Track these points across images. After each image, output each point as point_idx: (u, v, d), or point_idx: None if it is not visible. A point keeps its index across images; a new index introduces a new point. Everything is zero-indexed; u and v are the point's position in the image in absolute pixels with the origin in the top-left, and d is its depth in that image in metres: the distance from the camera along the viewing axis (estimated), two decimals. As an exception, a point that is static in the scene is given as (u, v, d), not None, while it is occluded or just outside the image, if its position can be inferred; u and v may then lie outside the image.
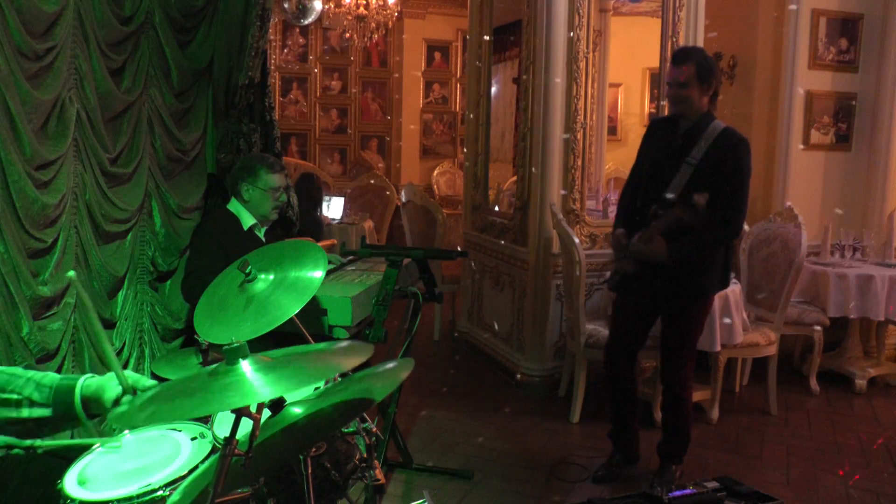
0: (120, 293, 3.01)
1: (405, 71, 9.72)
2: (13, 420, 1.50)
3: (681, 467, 3.40)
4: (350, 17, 7.46)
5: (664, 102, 4.28)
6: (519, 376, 4.64)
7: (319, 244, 2.26)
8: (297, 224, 3.76)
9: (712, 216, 2.99)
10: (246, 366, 1.38)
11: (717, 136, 3.07)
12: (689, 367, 3.32)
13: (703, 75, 3.05)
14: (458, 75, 9.85)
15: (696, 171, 3.06)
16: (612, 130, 7.49)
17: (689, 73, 3.04)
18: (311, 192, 5.76)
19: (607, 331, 4.01)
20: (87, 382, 1.62)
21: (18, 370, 1.58)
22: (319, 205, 5.99)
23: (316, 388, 1.92)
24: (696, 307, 3.24)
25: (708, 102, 3.12)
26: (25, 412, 1.50)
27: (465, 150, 5.81)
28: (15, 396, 1.51)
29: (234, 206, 3.16)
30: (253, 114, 3.50)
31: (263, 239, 3.19)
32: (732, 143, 3.07)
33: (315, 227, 5.61)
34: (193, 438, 1.95)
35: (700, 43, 4.56)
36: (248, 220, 3.13)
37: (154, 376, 2.41)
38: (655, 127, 3.38)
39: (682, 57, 3.10)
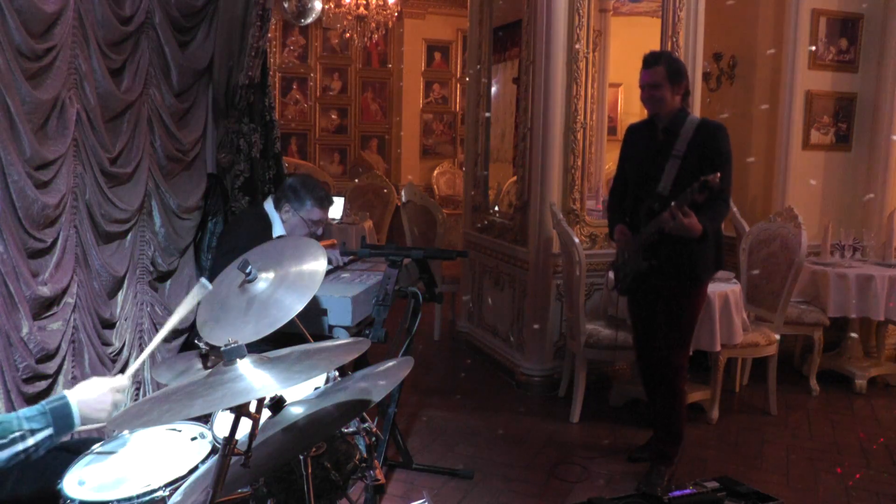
0: (120, 293, 3.01)
1: (405, 71, 9.72)
2: (23, 450, 1.63)
3: (670, 470, 3.37)
4: (350, 17, 7.46)
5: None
6: (519, 376, 4.64)
7: (320, 244, 2.26)
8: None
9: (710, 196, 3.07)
10: (244, 365, 1.38)
11: (695, 128, 3.21)
12: (684, 358, 3.36)
13: (674, 75, 3.21)
14: (458, 75, 9.85)
15: (682, 162, 3.19)
16: (612, 130, 7.47)
17: (660, 75, 3.20)
18: None
19: (607, 331, 4.03)
20: (78, 396, 1.72)
21: (2, 417, 1.68)
22: None
23: (316, 388, 1.92)
24: (692, 293, 3.31)
25: (681, 100, 3.27)
26: (31, 440, 1.63)
27: (465, 150, 5.81)
28: (17, 434, 1.62)
29: (270, 210, 3.12)
30: (253, 114, 3.50)
31: None
32: (711, 130, 3.23)
33: None
34: (193, 438, 1.96)
35: (700, 43, 4.56)
36: (278, 230, 3.10)
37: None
38: (633, 132, 3.53)
39: (653, 60, 3.26)
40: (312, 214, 3.07)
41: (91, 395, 1.72)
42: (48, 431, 1.65)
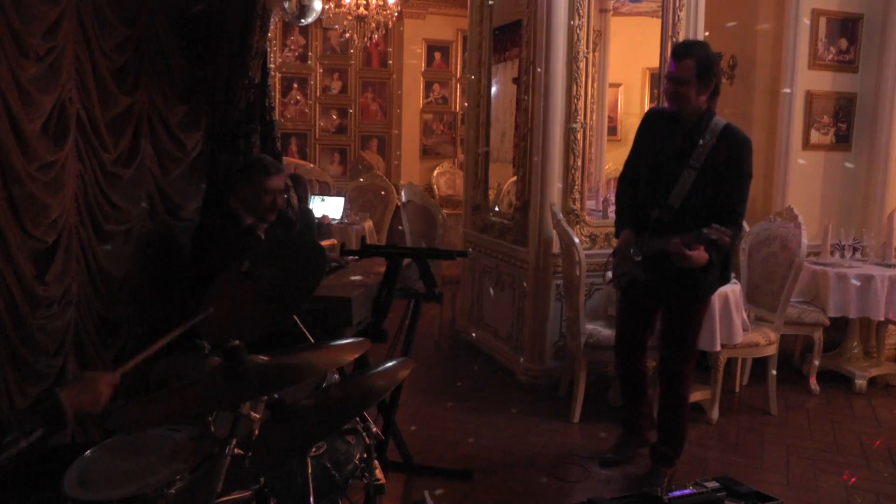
0: (120, 293, 3.01)
1: (405, 71, 9.71)
2: (16, 452, 1.61)
3: (671, 471, 3.37)
4: (350, 17, 7.45)
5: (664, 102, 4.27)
6: (519, 376, 4.64)
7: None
8: (297, 224, 3.76)
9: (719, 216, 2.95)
10: (244, 365, 1.38)
11: (718, 137, 3.00)
12: (689, 365, 3.32)
13: (703, 73, 2.95)
14: (458, 75, 9.85)
15: (699, 173, 3.01)
16: (612, 130, 7.48)
17: (688, 70, 2.94)
18: (296, 191, 5.77)
19: (607, 331, 4.02)
20: (69, 390, 1.70)
21: None
22: (305, 202, 5.99)
23: (316, 388, 1.92)
24: (696, 306, 3.26)
25: (707, 100, 3.02)
26: (24, 442, 1.61)
27: (465, 150, 5.80)
28: (10, 438, 1.59)
29: (234, 204, 3.18)
30: (253, 114, 3.50)
31: (262, 236, 3.21)
32: (735, 144, 3.02)
33: (307, 219, 5.61)
34: (193, 438, 1.96)
35: (700, 43, 4.56)
36: (246, 219, 3.16)
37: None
38: (653, 120, 3.28)
39: (683, 52, 2.99)
40: (264, 183, 3.12)
41: (81, 391, 1.70)
42: (40, 432, 1.63)
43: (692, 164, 3.02)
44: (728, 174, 3.01)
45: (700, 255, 2.90)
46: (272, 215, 3.21)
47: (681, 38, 4.48)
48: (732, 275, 4.15)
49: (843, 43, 5.07)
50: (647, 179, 3.22)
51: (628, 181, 3.34)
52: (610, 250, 4.50)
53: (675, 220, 3.04)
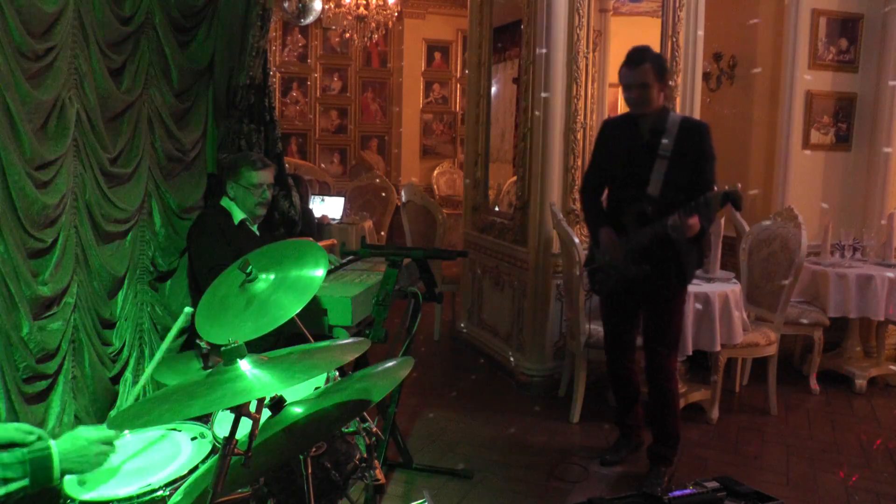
0: (120, 293, 3.01)
1: (405, 71, 9.72)
2: None
3: (670, 470, 3.39)
4: (350, 17, 7.46)
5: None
6: (519, 376, 4.64)
7: (320, 244, 2.26)
8: (299, 224, 3.76)
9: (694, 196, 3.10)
10: (244, 365, 1.38)
11: (679, 126, 3.19)
12: (673, 359, 3.39)
13: (660, 73, 3.17)
14: (458, 75, 9.86)
15: (670, 161, 3.17)
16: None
17: (648, 73, 3.14)
18: (297, 190, 5.78)
19: (607, 331, 4.03)
20: (61, 448, 1.66)
21: None
22: (305, 202, 5.99)
23: (316, 388, 1.92)
24: (679, 294, 3.33)
25: (663, 96, 3.25)
26: (2, 490, 1.56)
27: (465, 150, 5.80)
28: None
29: (225, 202, 3.21)
30: (253, 114, 3.50)
31: (257, 232, 3.22)
32: (697, 130, 3.22)
33: (307, 220, 5.61)
34: (193, 438, 1.96)
35: (700, 43, 4.56)
36: (238, 215, 3.19)
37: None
38: (611, 128, 3.46)
39: (639, 58, 3.18)
40: (252, 178, 3.15)
41: (75, 447, 1.68)
42: (24, 482, 1.59)
43: (662, 155, 3.18)
44: (697, 160, 3.18)
45: (696, 222, 3.07)
46: (263, 209, 3.23)
47: (681, 38, 4.48)
48: (732, 275, 4.17)
49: (843, 43, 5.07)
50: (621, 180, 3.34)
51: (593, 189, 3.49)
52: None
53: (657, 209, 3.14)
